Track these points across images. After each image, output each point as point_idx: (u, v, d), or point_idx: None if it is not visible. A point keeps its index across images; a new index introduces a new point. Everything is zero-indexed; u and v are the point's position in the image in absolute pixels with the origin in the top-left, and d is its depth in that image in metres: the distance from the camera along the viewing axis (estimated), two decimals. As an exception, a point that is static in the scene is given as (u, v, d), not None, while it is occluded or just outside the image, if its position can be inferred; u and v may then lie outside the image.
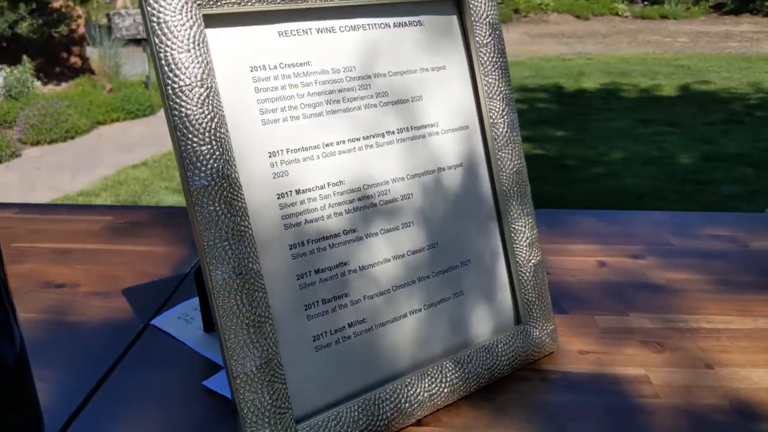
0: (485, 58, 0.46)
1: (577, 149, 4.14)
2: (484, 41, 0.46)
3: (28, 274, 0.64)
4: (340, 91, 0.41)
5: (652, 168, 3.69)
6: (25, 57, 6.14)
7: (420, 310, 0.44)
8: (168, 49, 0.35)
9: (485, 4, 0.46)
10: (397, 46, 0.44)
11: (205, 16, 0.37)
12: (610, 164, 3.81)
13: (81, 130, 5.02)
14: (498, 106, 0.47)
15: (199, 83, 0.35)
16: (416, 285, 0.44)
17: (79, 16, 6.99)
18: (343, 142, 0.41)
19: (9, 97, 5.78)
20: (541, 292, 0.48)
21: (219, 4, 0.37)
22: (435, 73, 0.46)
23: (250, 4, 0.38)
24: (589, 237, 0.71)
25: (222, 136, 0.36)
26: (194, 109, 0.35)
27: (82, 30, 6.95)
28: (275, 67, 0.39)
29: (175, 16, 0.35)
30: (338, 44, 0.42)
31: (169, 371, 0.48)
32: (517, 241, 0.48)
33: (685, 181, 3.46)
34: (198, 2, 0.36)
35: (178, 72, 0.35)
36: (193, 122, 0.35)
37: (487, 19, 0.46)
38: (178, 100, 0.35)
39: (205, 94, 0.36)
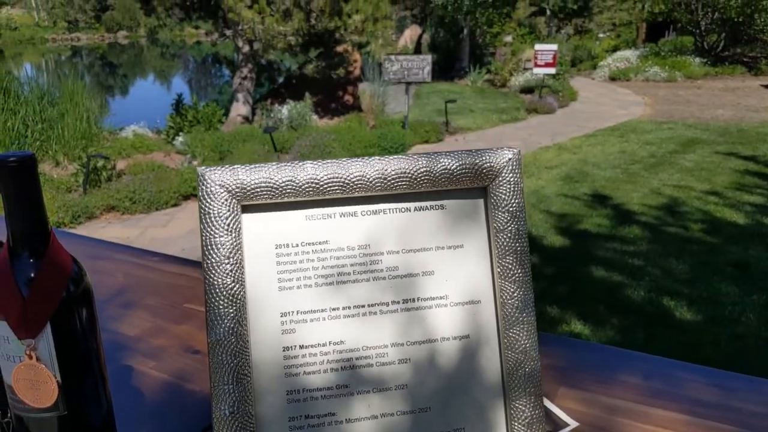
0: (501, 243, 0.49)
1: None
2: (502, 227, 0.49)
3: (180, 335, 0.83)
4: (352, 265, 0.49)
5: None
6: (307, 94, 7.22)
7: (400, 466, 0.49)
8: (209, 234, 0.46)
9: (508, 195, 0.49)
10: (415, 228, 0.50)
11: (243, 206, 0.48)
12: None
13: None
14: (509, 288, 0.49)
15: (227, 260, 0.46)
16: (400, 443, 0.49)
17: (355, 60, 7.98)
18: (349, 308, 0.49)
19: (290, 128, 6.84)
20: (538, 472, 0.49)
21: (255, 198, 0.47)
22: (451, 251, 0.50)
23: (280, 197, 0.48)
24: (677, 400, 0.66)
25: (240, 300, 0.46)
26: (219, 279, 0.46)
27: (357, 72, 7.92)
28: (297, 245, 0.49)
29: (218, 207, 0.47)
30: (357, 226, 0.49)
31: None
32: (516, 418, 0.49)
33: None
34: (237, 197, 0.47)
35: (213, 251, 0.46)
36: (217, 289, 0.46)
37: (507, 208, 0.49)
38: (210, 271, 0.46)
39: (230, 268, 0.46)
